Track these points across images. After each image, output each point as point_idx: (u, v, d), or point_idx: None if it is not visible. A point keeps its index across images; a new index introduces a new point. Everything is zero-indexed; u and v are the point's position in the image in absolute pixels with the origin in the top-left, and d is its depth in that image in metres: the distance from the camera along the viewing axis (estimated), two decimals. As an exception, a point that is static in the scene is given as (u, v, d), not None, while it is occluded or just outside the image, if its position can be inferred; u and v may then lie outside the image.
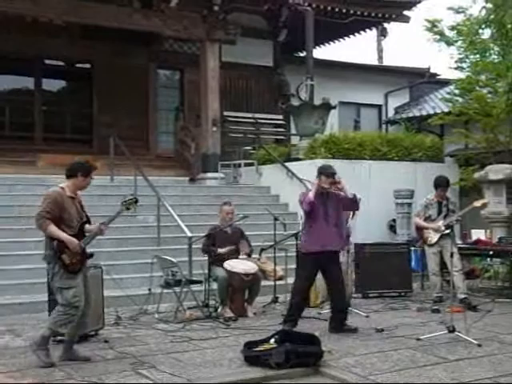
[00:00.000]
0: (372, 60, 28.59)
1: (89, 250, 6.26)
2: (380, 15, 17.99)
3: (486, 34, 13.51)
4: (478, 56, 13.58)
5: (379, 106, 20.78)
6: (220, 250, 8.60)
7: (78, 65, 16.58)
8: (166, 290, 8.37)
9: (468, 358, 6.17)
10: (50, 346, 6.07)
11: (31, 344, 6.04)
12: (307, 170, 12.92)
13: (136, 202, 6.45)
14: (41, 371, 5.73)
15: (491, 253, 10.18)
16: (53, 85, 16.42)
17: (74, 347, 6.20)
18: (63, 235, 5.97)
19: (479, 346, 6.54)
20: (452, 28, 13.71)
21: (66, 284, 5.97)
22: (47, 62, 15.97)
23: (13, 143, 14.55)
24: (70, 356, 6.10)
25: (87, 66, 16.44)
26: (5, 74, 15.49)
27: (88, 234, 6.24)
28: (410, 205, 12.55)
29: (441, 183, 9.30)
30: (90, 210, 6.71)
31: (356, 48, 33.30)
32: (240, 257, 8.66)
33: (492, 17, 12.80)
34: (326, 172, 7.50)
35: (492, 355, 6.26)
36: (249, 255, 8.81)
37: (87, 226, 6.27)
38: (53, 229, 5.95)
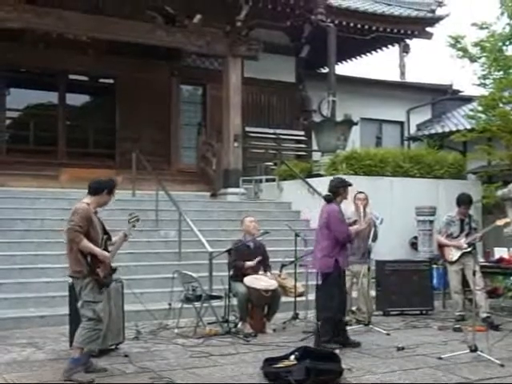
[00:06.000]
0: (394, 76, 28.42)
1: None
2: (402, 31, 18.02)
3: (510, 50, 13.50)
4: (501, 72, 13.51)
5: (401, 123, 20.73)
6: (248, 264, 8.52)
7: (101, 80, 16.75)
8: (186, 305, 8.36)
9: (490, 378, 6.08)
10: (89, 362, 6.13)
11: (63, 373, 5.91)
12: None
13: (138, 220, 6.47)
14: (60, 384, 5.74)
15: (514, 271, 10.07)
16: (76, 99, 16.56)
17: (90, 359, 6.20)
18: (96, 249, 6.04)
19: (502, 366, 6.44)
20: (475, 44, 13.66)
21: (97, 298, 6.06)
22: (71, 76, 16.11)
23: (36, 157, 14.70)
24: (87, 368, 6.09)
25: (110, 81, 16.60)
26: (30, 88, 15.73)
27: (112, 248, 6.30)
28: (431, 222, 12.46)
29: (463, 201, 9.21)
30: (111, 224, 6.76)
31: (378, 64, 33.27)
32: (260, 272, 8.63)
33: (516, 33, 12.76)
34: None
35: (515, 375, 6.17)
36: (265, 271, 8.73)
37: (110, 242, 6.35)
38: (86, 243, 5.98)
